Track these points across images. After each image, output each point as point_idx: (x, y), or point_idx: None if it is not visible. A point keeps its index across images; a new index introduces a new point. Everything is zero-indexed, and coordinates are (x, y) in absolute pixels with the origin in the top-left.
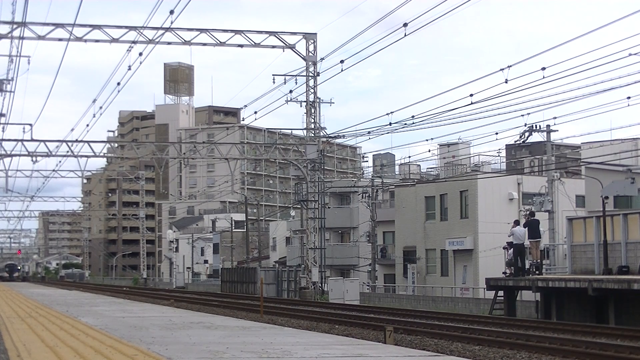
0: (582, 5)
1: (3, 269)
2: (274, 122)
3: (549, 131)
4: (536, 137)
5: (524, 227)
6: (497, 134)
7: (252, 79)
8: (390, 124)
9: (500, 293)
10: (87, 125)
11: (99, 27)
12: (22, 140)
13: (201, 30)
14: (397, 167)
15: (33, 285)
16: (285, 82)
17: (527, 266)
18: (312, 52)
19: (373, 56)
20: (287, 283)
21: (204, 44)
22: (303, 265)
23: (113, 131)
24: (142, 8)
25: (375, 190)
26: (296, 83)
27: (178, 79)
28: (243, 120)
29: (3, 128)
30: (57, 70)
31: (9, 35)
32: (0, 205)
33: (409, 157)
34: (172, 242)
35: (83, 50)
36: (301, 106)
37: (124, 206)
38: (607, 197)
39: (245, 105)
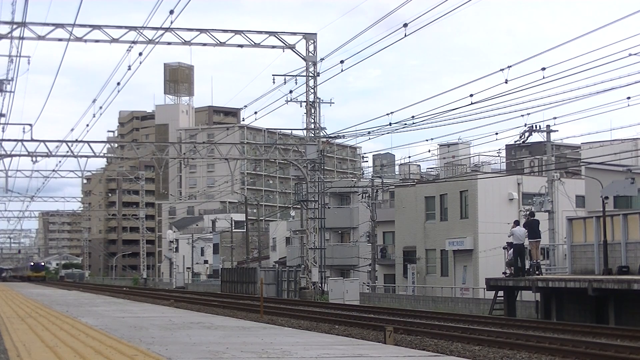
0: (582, 5)
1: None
2: (274, 122)
3: (549, 131)
4: (536, 137)
5: (524, 227)
6: (497, 134)
7: (252, 79)
8: (390, 124)
9: (500, 293)
10: (87, 125)
11: (99, 27)
12: (22, 141)
13: (201, 30)
14: (397, 167)
15: (33, 286)
16: (285, 82)
17: (527, 266)
18: (312, 52)
19: (373, 56)
20: (287, 283)
21: (204, 44)
22: (303, 266)
23: (113, 131)
24: (142, 8)
25: (375, 191)
26: (296, 83)
27: (178, 79)
28: (243, 120)
29: (3, 128)
30: (57, 70)
31: (9, 35)
32: (0, 206)
33: (409, 157)
34: (172, 242)
35: (83, 50)
36: (301, 106)
37: (124, 206)
38: (607, 197)
39: (245, 106)
